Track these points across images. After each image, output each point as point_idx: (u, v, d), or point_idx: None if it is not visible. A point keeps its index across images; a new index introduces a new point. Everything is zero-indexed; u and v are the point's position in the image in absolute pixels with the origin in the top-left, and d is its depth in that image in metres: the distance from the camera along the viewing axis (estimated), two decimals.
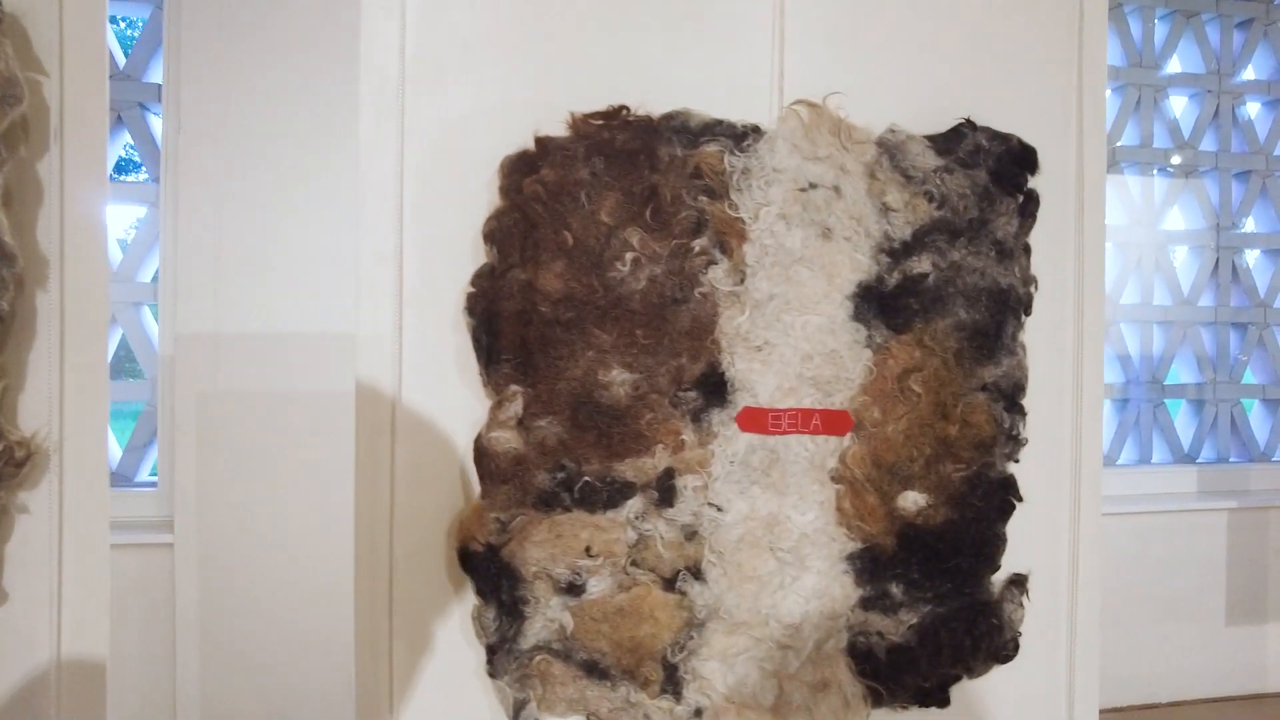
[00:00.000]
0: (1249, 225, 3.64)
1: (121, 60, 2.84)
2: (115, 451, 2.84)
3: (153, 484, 2.83)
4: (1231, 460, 3.55)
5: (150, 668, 2.66)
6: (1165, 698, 3.24)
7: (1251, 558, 3.33)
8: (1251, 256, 3.66)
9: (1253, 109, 3.70)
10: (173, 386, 2.71)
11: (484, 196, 1.49)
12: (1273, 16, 3.61)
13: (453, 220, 1.50)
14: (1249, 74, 3.67)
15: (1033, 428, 1.68)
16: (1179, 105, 3.64)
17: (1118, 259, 3.47)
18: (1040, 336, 1.70)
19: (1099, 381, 1.73)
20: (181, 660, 2.68)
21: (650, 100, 1.52)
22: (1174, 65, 3.60)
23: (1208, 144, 3.60)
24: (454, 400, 1.50)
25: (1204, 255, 3.56)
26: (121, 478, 2.83)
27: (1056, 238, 1.72)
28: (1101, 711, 1.75)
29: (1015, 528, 1.67)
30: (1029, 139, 1.66)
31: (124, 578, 2.59)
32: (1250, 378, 3.61)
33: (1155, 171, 3.54)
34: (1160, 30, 3.57)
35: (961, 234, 1.58)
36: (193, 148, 2.68)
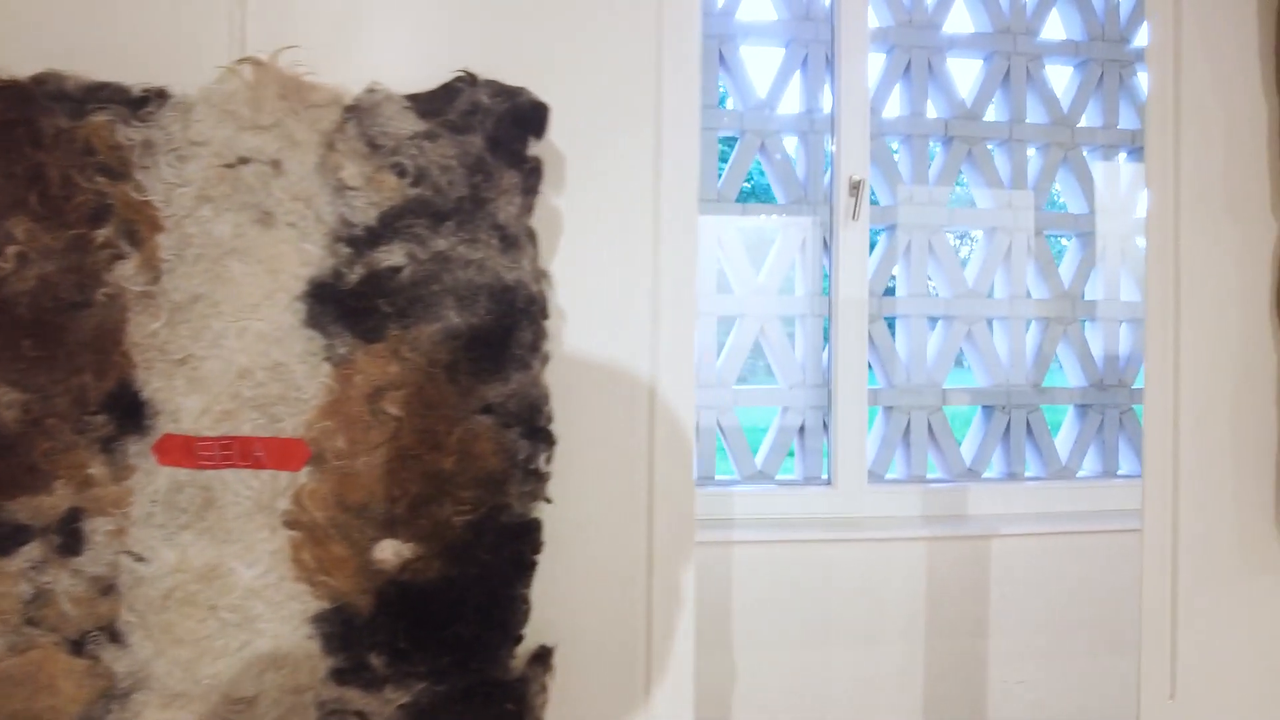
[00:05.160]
0: None
1: None
2: None
3: None
4: None
5: None
6: None
7: None
8: None
9: None
10: None
11: None
12: None
13: None
14: None
15: (610, 458, 1.22)
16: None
17: (1077, 251, 2.92)
18: (616, 345, 1.23)
19: (688, 388, 1.24)
20: None
21: (89, 68, 1.15)
22: (1142, 38, 2.96)
23: None
24: None
25: None
26: None
27: (631, 219, 1.25)
28: None
29: (586, 586, 1.21)
30: (598, 94, 1.19)
31: None
32: None
33: (1123, 155, 2.95)
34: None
35: (449, 217, 1.14)
36: None
